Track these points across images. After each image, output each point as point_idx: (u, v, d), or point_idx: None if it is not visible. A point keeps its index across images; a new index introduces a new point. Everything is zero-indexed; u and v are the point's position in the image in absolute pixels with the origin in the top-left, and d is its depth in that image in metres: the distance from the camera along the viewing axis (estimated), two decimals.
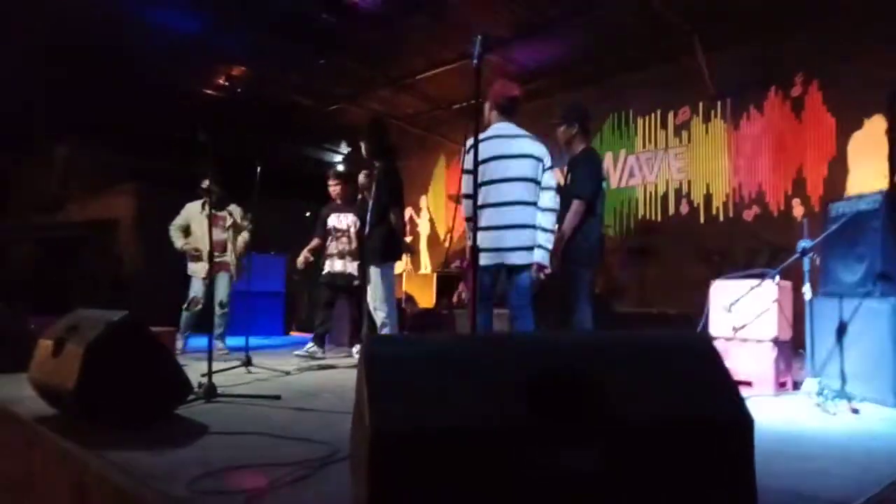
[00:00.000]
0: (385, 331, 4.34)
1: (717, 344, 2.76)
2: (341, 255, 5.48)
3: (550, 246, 3.67)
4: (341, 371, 4.71)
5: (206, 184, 5.67)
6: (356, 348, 5.47)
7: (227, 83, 7.45)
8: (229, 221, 5.80)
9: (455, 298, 6.82)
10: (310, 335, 5.52)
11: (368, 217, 4.60)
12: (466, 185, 3.58)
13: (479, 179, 3.16)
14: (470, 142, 3.16)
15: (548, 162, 3.73)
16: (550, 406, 1.28)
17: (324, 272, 5.55)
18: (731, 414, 1.36)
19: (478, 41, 2.77)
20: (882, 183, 5.12)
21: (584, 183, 4.06)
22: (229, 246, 5.87)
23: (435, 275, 7.85)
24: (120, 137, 8.08)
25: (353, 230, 5.49)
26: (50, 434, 2.28)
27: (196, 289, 5.82)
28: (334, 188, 5.65)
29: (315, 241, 5.64)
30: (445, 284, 7.20)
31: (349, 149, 10.21)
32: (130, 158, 8.71)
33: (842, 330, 3.54)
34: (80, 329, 2.60)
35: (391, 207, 4.47)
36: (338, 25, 6.07)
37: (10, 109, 6.92)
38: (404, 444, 1.18)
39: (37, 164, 8.61)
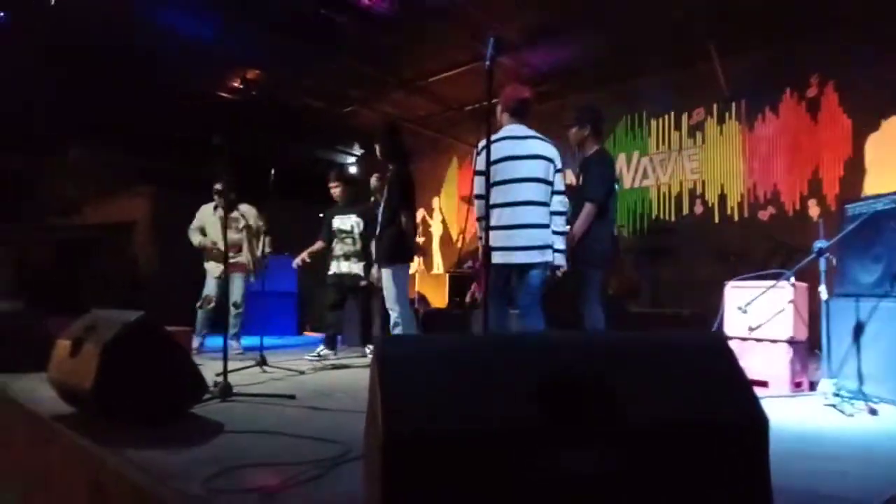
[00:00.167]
0: (397, 331, 4.35)
1: (732, 344, 2.74)
2: (346, 257, 5.49)
3: (563, 247, 3.71)
4: (355, 371, 4.74)
5: (217, 186, 5.75)
6: (369, 347, 5.49)
7: (241, 86, 7.51)
8: (242, 223, 5.85)
9: (468, 298, 6.82)
10: (323, 335, 5.54)
11: (379, 219, 4.63)
12: (479, 185, 3.60)
13: (492, 180, 3.19)
14: (482, 143, 3.24)
15: (559, 164, 3.77)
16: (563, 409, 1.28)
17: (329, 273, 5.57)
18: (746, 414, 1.35)
19: (490, 43, 2.79)
20: None
21: (595, 186, 4.06)
22: (244, 246, 5.93)
23: (447, 275, 7.86)
24: (136, 140, 8.15)
25: (356, 231, 5.50)
26: (67, 432, 2.32)
27: (210, 287, 5.89)
28: (335, 190, 5.65)
29: (318, 244, 5.66)
30: (458, 284, 7.20)
31: (362, 151, 10.24)
32: (146, 161, 8.78)
33: (858, 330, 3.50)
34: (97, 329, 2.64)
35: (401, 210, 4.48)
36: (351, 28, 6.10)
37: (26, 112, 7.01)
38: (417, 445, 1.18)
39: (53, 166, 8.71)
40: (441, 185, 9.40)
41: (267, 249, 5.95)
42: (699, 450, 1.31)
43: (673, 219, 6.89)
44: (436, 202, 9.46)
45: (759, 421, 1.34)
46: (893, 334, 3.31)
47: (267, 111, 8.06)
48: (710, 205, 6.61)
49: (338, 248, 5.53)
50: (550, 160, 3.71)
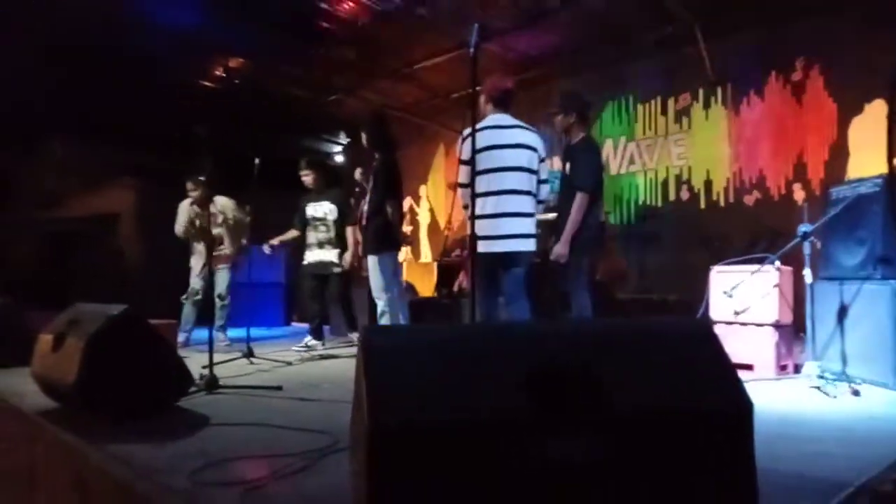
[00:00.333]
0: (384, 320, 4.35)
1: (718, 329, 2.75)
2: (320, 245, 5.43)
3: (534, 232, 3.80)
4: (343, 361, 4.73)
5: (189, 183, 5.73)
6: (355, 335, 5.45)
7: (224, 75, 7.41)
8: (220, 217, 5.79)
9: (456, 287, 6.82)
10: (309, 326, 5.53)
11: (366, 208, 4.62)
12: (464, 174, 3.60)
13: (476, 169, 3.18)
14: (466, 131, 3.29)
15: (543, 152, 3.81)
16: (550, 398, 1.28)
17: (304, 263, 5.53)
18: (731, 401, 1.36)
19: (475, 30, 2.77)
20: (882, 167, 5.08)
21: (585, 174, 4.06)
22: (225, 240, 5.88)
23: (435, 263, 7.85)
24: (119, 132, 8.04)
25: (330, 218, 5.43)
26: (51, 427, 2.29)
27: (194, 281, 5.88)
28: (306, 177, 5.54)
29: (291, 232, 5.60)
30: (446, 273, 7.19)
31: (348, 140, 10.18)
32: (129, 153, 8.68)
33: (842, 313, 3.54)
34: (80, 323, 2.61)
35: (387, 199, 4.47)
36: (335, 16, 6.03)
37: (7, 107, 6.89)
38: (403, 436, 1.18)
39: (36, 160, 8.58)
40: (428, 173, 9.36)
41: (243, 241, 5.93)
42: (685, 436, 1.31)
43: (660, 204, 6.91)
44: (423, 190, 9.43)
45: (743, 407, 1.34)
46: (876, 316, 3.35)
47: (251, 101, 7.97)
48: (696, 190, 6.63)
49: (311, 237, 5.47)
50: (535, 149, 3.75)
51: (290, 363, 4.48)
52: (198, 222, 5.76)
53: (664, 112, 6.93)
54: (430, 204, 9.36)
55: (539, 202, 3.83)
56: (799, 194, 5.90)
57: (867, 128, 5.54)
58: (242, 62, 7.23)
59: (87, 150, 8.56)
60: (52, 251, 8.61)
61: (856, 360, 3.43)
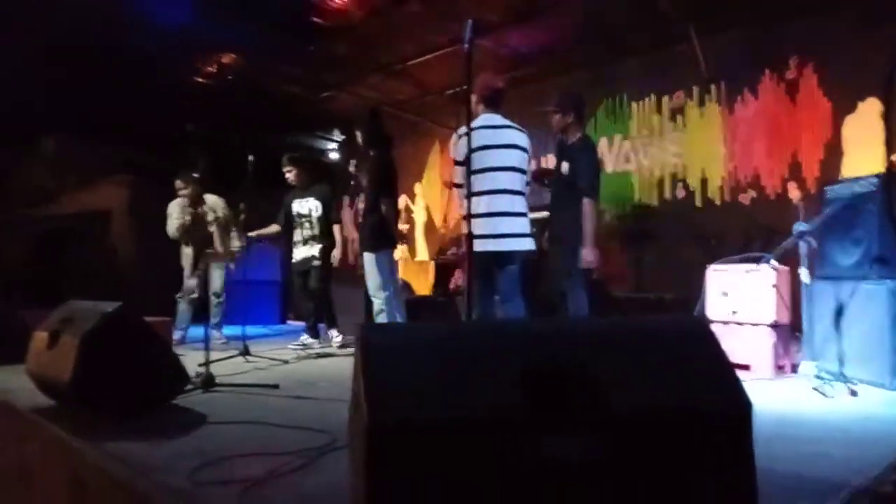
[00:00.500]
0: (381, 318, 4.34)
1: (714, 328, 2.76)
2: (305, 241, 5.41)
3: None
4: (339, 360, 4.72)
5: (178, 183, 5.70)
6: (333, 333, 5.38)
7: (216, 71, 7.37)
8: (211, 216, 5.77)
9: (452, 285, 6.81)
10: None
11: (361, 206, 4.64)
12: (459, 174, 3.64)
13: (471, 168, 3.19)
14: (462, 130, 3.39)
15: (530, 152, 3.95)
16: (547, 396, 1.27)
17: (293, 261, 5.50)
18: (730, 400, 1.35)
19: (469, 26, 2.76)
20: (878, 166, 5.10)
21: (590, 178, 4.08)
22: (216, 239, 5.86)
23: (432, 262, 7.84)
24: (112, 129, 8.00)
25: (314, 215, 5.39)
26: (47, 425, 2.28)
27: (188, 279, 5.87)
28: (289, 174, 5.48)
29: (273, 227, 5.56)
30: (442, 271, 7.19)
31: (343, 136, 10.14)
32: (123, 150, 8.63)
33: (839, 313, 3.54)
34: (74, 320, 2.59)
35: (382, 197, 4.47)
36: (328, 12, 6.01)
37: (1, 105, 6.83)
38: (401, 435, 1.17)
39: (28, 157, 8.53)
40: (423, 171, 9.34)
41: (237, 244, 5.91)
42: (683, 436, 1.31)
43: (655, 203, 6.91)
44: (418, 188, 9.41)
45: (742, 406, 1.34)
46: (873, 316, 3.36)
47: (243, 97, 7.93)
48: (691, 189, 6.63)
49: (297, 234, 5.44)
50: (525, 150, 3.87)
51: (286, 361, 4.47)
52: (189, 221, 5.74)
53: (658, 110, 6.94)
54: (426, 201, 9.34)
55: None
56: (794, 193, 5.91)
57: (861, 126, 5.55)
58: (235, 58, 7.19)
59: (80, 147, 8.51)
60: (46, 248, 8.56)
61: (853, 360, 3.43)
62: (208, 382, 3.18)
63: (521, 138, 3.84)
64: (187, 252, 5.88)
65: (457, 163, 3.69)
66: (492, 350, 1.36)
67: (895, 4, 5.10)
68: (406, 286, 7.48)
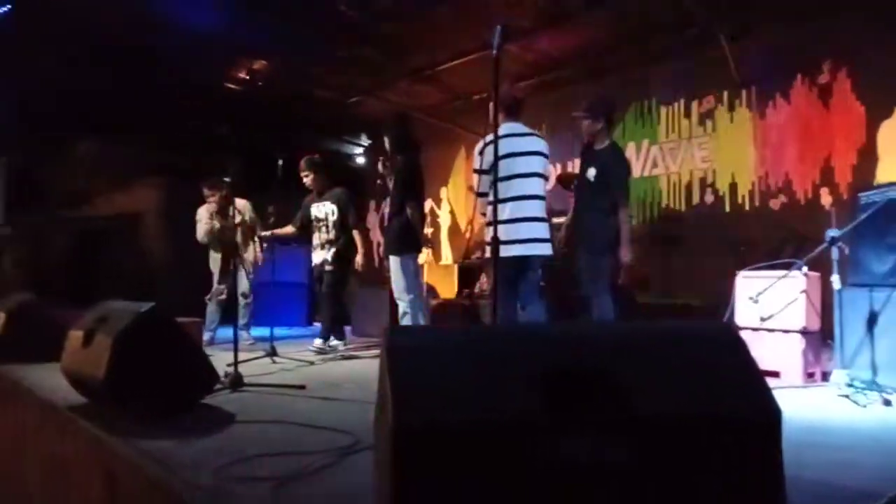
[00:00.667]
0: (406, 321, 4.37)
1: (743, 334, 2.72)
2: (322, 246, 5.39)
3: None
4: (364, 362, 4.76)
5: (205, 190, 5.81)
6: (333, 342, 5.27)
7: (248, 77, 7.50)
8: (238, 218, 5.86)
9: (476, 289, 6.82)
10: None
11: (388, 208, 4.67)
12: (484, 183, 3.72)
13: (497, 175, 3.23)
14: (480, 145, 3.68)
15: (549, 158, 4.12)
16: (572, 400, 1.27)
17: (312, 265, 5.52)
18: (759, 406, 1.34)
19: (497, 31, 2.78)
20: None
21: (622, 187, 4.11)
22: (240, 242, 5.94)
23: (456, 266, 7.86)
24: (145, 132, 8.17)
25: (331, 219, 5.35)
26: (82, 422, 2.34)
27: (217, 281, 5.98)
28: (306, 178, 5.44)
29: (288, 228, 5.55)
30: (467, 275, 7.20)
31: (369, 141, 10.22)
32: (156, 153, 8.81)
33: (872, 320, 3.47)
34: (108, 320, 2.65)
35: (408, 200, 4.50)
36: (358, 17, 6.07)
37: (38, 107, 7.03)
38: (427, 435, 1.18)
39: (64, 160, 8.75)
40: (449, 175, 9.37)
41: (258, 253, 6.01)
42: (710, 442, 1.30)
43: (683, 208, 6.84)
44: (444, 192, 9.44)
45: (772, 414, 1.32)
46: None
47: (274, 101, 8.05)
48: (720, 194, 6.55)
49: (315, 238, 5.43)
50: (546, 156, 4.05)
51: (312, 363, 4.52)
52: (217, 227, 5.85)
53: (688, 115, 6.87)
54: (451, 206, 9.37)
55: None
56: (826, 199, 5.81)
57: None
58: (265, 64, 7.30)
59: (115, 150, 8.71)
60: (82, 250, 8.77)
61: (887, 368, 3.35)
62: (237, 382, 3.23)
63: (542, 145, 4.02)
64: (216, 257, 5.98)
65: (480, 171, 3.78)
66: (517, 353, 1.36)
67: None
68: (431, 290, 7.51)
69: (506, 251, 3.58)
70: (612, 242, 4.11)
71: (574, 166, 6.92)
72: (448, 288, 7.80)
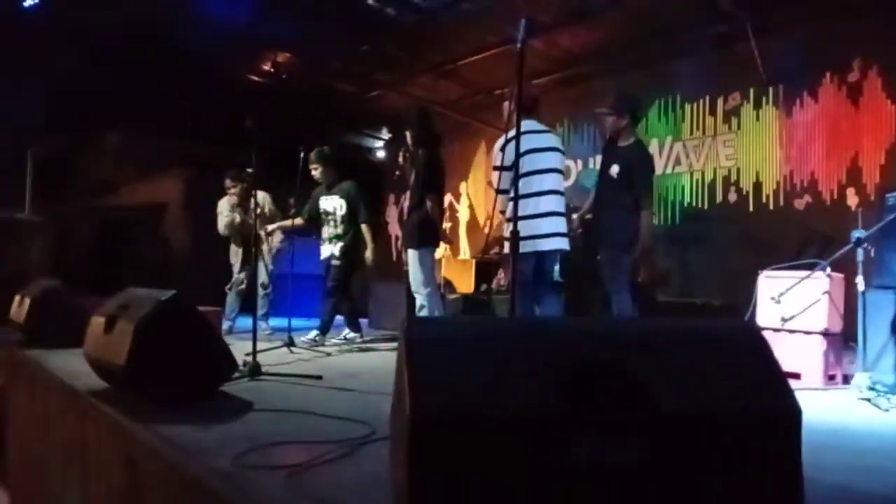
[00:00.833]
0: (423, 313, 4.38)
1: (764, 335, 2.68)
2: (330, 240, 5.37)
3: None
4: (381, 353, 4.78)
5: (227, 182, 5.86)
6: (348, 334, 5.31)
7: (272, 70, 7.55)
8: (258, 210, 5.89)
9: (494, 284, 6.81)
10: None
11: (407, 201, 4.68)
12: (503, 180, 3.71)
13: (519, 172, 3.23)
14: (500, 142, 3.78)
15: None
16: (591, 396, 1.27)
17: (321, 258, 5.53)
18: (779, 406, 1.32)
19: (522, 25, 2.76)
20: None
21: (646, 185, 4.08)
22: (262, 234, 5.98)
23: (474, 261, 7.85)
24: (171, 124, 8.27)
25: (339, 213, 5.31)
26: (104, 408, 2.37)
27: (237, 271, 6.05)
28: (315, 171, 5.39)
29: (296, 220, 5.52)
30: (484, 270, 7.19)
31: (390, 135, 10.24)
32: (180, 144, 8.92)
33: None
34: (130, 307, 2.69)
35: (428, 194, 4.51)
36: (381, 11, 6.08)
37: (67, 98, 7.14)
38: (443, 430, 1.18)
39: (91, 150, 8.89)
40: (469, 170, 9.36)
41: (276, 243, 6.03)
42: (730, 440, 1.29)
43: (706, 206, 6.76)
44: (463, 187, 9.43)
45: (792, 413, 1.31)
46: None
47: (296, 95, 8.09)
48: (744, 192, 6.46)
49: (324, 231, 5.41)
50: (563, 152, 4.20)
51: (329, 354, 4.55)
52: (238, 220, 5.90)
53: (712, 112, 6.78)
54: (471, 201, 9.36)
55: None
56: (852, 199, 5.70)
57: None
58: (289, 57, 7.34)
59: (141, 141, 8.82)
60: (106, 239, 8.91)
61: None
62: (255, 371, 3.27)
63: (558, 141, 4.19)
64: (236, 250, 6.05)
65: (501, 168, 3.75)
66: (536, 347, 1.36)
67: None
68: (448, 284, 7.52)
69: (528, 246, 3.63)
70: (633, 240, 4.08)
71: (595, 163, 6.88)
72: (465, 283, 7.79)
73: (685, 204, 6.93)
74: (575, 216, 4.55)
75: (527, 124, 3.80)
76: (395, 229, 10.14)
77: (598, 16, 6.13)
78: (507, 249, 3.48)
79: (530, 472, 1.19)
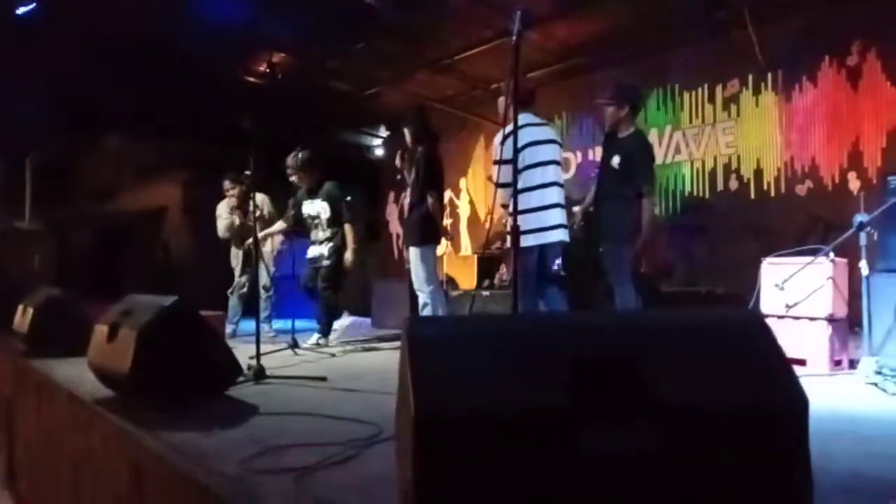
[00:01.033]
0: (426, 311, 4.37)
1: (769, 322, 2.67)
2: (320, 243, 5.29)
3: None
4: (384, 353, 4.77)
5: (226, 184, 5.85)
6: (335, 333, 5.19)
7: (267, 70, 7.53)
8: (257, 213, 5.87)
9: (496, 280, 6.80)
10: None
11: (407, 201, 4.67)
12: (504, 174, 3.65)
13: (519, 165, 3.21)
14: (500, 136, 3.71)
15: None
16: (596, 389, 1.26)
17: (307, 257, 5.43)
18: (785, 394, 1.31)
19: (517, 17, 2.74)
20: None
21: (648, 176, 4.05)
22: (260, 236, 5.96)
23: (475, 256, 7.84)
24: (168, 126, 8.26)
25: (323, 217, 5.23)
26: (108, 415, 2.37)
27: (239, 275, 6.05)
28: (291, 177, 5.31)
29: (278, 224, 5.49)
30: (486, 266, 7.18)
31: (388, 132, 10.22)
32: (179, 147, 8.91)
33: None
34: (132, 314, 2.68)
35: (428, 191, 4.49)
36: (376, 8, 6.05)
37: (66, 102, 7.13)
38: (449, 427, 1.17)
39: (89, 154, 8.89)
40: (468, 166, 9.34)
41: (277, 245, 6.02)
42: (737, 430, 1.28)
43: (707, 195, 6.74)
44: (463, 182, 9.41)
45: (799, 402, 1.30)
46: None
47: (293, 94, 8.07)
48: (745, 180, 6.44)
49: (312, 235, 5.35)
50: (561, 144, 4.21)
51: (333, 355, 4.55)
52: (237, 222, 5.90)
53: (711, 99, 6.75)
54: (471, 196, 9.34)
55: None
56: (854, 183, 5.68)
57: None
58: (284, 57, 7.32)
59: (140, 144, 8.82)
60: (107, 244, 8.92)
61: None
62: (259, 374, 3.26)
63: (555, 133, 4.19)
64: (237, 253, 6.05)
65: (501, 162, 3.69)
66: (540, 342, 1.35)
67: None
68: (450, 281, 7.51)
69: (532, 240, 3.63)
70: (635, 231, 4.07)
71: (594, 154, 6.86)
72: (467, 279, 7.78)
73: (686, 193, 6.91)
74: (577, 209, 4.53)
75: (525, 117, 3.80)
76: (395, 227, 10.14)
77: (595, 5, 6.10)
78: (509, 244, 3.47)
79: (539, 468, 1.19)
